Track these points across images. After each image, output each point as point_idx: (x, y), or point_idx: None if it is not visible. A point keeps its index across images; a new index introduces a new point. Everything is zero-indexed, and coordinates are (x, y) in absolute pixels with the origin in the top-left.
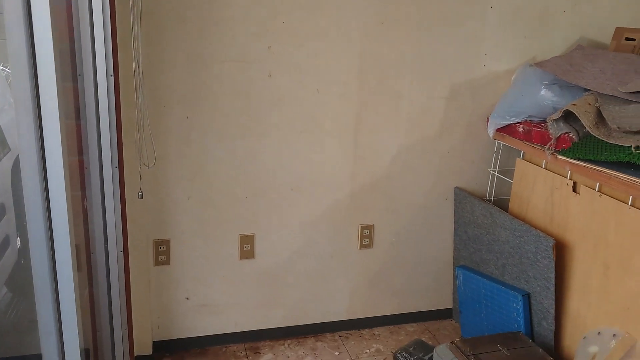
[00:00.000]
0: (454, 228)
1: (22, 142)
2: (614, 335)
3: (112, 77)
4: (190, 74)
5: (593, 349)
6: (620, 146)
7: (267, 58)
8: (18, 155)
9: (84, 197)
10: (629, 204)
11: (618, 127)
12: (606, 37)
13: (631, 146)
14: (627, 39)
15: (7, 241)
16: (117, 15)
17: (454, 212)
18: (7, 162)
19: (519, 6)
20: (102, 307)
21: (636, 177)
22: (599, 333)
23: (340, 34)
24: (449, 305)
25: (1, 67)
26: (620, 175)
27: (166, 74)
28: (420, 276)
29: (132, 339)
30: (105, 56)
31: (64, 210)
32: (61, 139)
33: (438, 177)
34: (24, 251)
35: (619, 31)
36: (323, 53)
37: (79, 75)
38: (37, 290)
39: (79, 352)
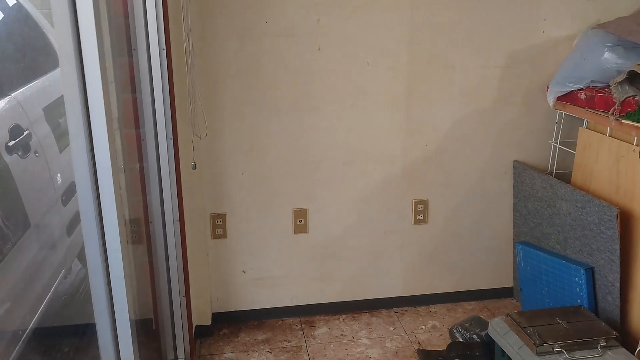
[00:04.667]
0: (514, 203)
1: (70, 122)
2: None
3: (165, 50)
4: (242, 49)
5: None
6: None
7: (316, 31)
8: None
9: (141, 166)
10: None
11: None
12: None
13: None
14: None
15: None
16: None
17: (513, 186)
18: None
19: None
20: (162, 275)
21: None
22: None
23: (390, 4)
24: (510, 284)
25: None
26: None
27: (219, 49)
28: (479, 253)
29: (190, 307)
30: (157, 30)
31: (110, 185)
32: (105, 111)
33: (495, 151)
34: None
35: None
36: (372, 25)
37: (134, 49)
38: (90, 265)
39: (129, 323)
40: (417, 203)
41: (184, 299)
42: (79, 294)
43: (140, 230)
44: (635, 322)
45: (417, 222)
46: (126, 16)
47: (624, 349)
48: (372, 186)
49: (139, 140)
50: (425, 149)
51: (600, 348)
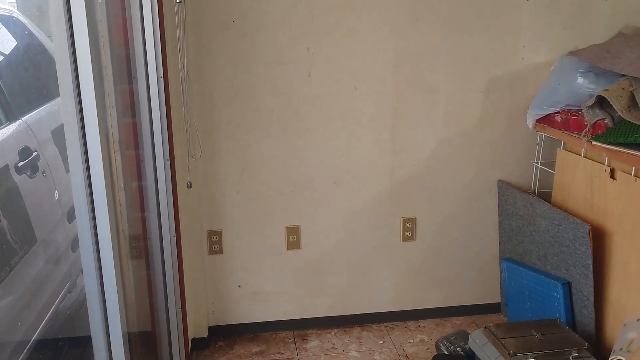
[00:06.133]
0: (499, 221)
1: (69, 141)
2: None
3: (162, 78)
4: (235, 76)
5: (631, 335)
6: None
7: (307, 59)
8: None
9: (140, 185)
10: None
11: None
12: None
13: None
14: None
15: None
16: (166, 24)
17: (498, 204)
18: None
19: None
20: (159, 288)
21: None
22: (638, 319)
23: (375, 33)
24: (498, 300)
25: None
26: None
27: (215, 76)
28: (466, 269)
29: (186, 319)
30: (156, 60)
31: (104, 203)
32: (99, 134)
33: (479, 170)
34: None
35: None
36: (359, 52)
37: (134, 77)
38: (86, 280)
39: (121, 335)
40: (406, 220)
41: (180, 312)
42: (83, 308)
43: (139, 246)
44: (609, 334)
45: (405, 239)
46: (127, 47)
47: (595, 359)
48: (362, 204)
49: (139, 161)
50: (412, 169)
51: (572, 359)
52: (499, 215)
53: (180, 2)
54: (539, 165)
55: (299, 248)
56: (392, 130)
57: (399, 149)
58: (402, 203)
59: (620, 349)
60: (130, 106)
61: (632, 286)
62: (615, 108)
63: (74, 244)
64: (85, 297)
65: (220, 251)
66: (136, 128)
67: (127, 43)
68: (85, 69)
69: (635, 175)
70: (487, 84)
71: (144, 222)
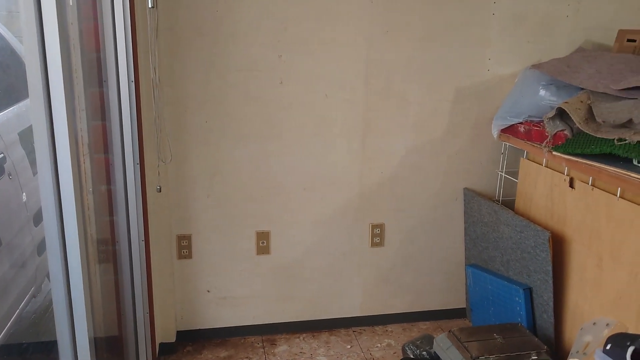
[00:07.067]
0: (464, 227)
1: (37, 144)
2: (607, 324)
3: (133, 82)
4: (208, 82)
5: (587, 338)
6: (605, 139)
7: (278, 66)
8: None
9: (109, 188)
10: (618, 195)
11: (603, 121)
12: (610, 39)
13: (614, 139)
14: (628, 40)
15: None
16: (138, 28)
17: (464, 212)
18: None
19: (521, 13)
20: (127, 292)
21: (623, 169)
22: (594, 323)
23: (347, 43)
24: (463, 305)
25: None
26: (609, 168)
27: (187, 82)
28: (433, 275)
29: (154, 324)
30: (127, 64)
31: (72, 207)
32: (69, 137)
33: (447, 178)
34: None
35: (621, 33)
36: (331, 61)
37: (104, 81)
38: (53, 284)
39: (88, 340)
40: (374, 227)
41: (147, 316)
42: (49, 312)
43: (107, 250)
44: (567, 337)
45: (374, 244)
46: (98, 51)
47: None
48: (331, 210)
49: (108, 165)
50: (381, 176)
51: None
52: (465, 222)
53: (153, 7)
54: (503, 174)
55: (268, 253)
56: (363, 137)
57: (369, 156)
58: (371, 209)
59: (577, 352)
60: (100, 109)
61: (588, 292)
62: (574, 120)
63: (40, 248)
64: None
65: (189, 256)
66: (106, 131)
67: (98, 46)
68: (55, 71)
69: (593, 185)
70: (455, 94)
71: (112, 226)
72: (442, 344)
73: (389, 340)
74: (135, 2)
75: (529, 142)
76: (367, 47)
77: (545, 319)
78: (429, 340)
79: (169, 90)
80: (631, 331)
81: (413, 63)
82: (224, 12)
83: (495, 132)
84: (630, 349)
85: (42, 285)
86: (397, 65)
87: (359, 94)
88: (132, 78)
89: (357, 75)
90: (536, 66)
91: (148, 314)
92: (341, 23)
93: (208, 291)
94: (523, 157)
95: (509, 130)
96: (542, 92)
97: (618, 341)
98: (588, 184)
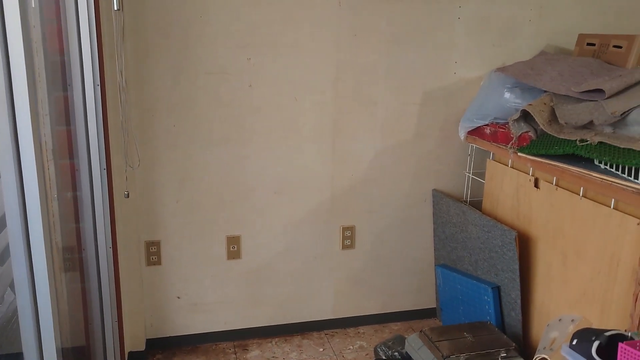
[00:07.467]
0: (434, 228)
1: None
2: (572, 320)
3: (99, 86)
4: (176, 85)
5: (553, 334)
6: (568, 140)
7: (247, 69)
8: None
9: (75, 195)
10: (580, 194)
11: (566, 123)
12: (571, 43)
13: (576, 140)
14: (588, 44)
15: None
16: (103, 31)
17: (433, 213)
18: None
19: (486, 17)
20: (94, 301)
21: (585, 169)
22: (560, 320)
23: (316, 46)
24: (434, 305)
25: None
26: (572, 168)
27: (154, 85)
28: (403, 276)
29: (123, 332)
30: (92, 67)
31: (37, 214)
32: (34, 142)
33: (415, 180)
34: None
35: (581, 37)
36: (300, 64)
37: (69, 85)
38: (18, 293)
39: (55, 351)
40: (345, 229)
41: (116, 325)
42: (12, 323)
43: (73, 257)
44: (535, 334)
45: (344, 247)
46: (62, 54)
47: (522, 358)
48: (302, 213)
49: (73, 170)
50: (351, 178)
51: (501, 359)
52: (434, 223)
53: (119, 9)
54: (470, 175)
55: (239, 258)
56: (333, 140)
57: (339, 159)
58: (341, 212)
59: (544, 348)
60: (64, 114)
61: (554, 289)
62: (538, 122)
63: (3, 256)
64: (13, 312)
65: (158, 262)
66: (71, 136)
67: (62, 49)
68: (19, 75)
69: (557, 185)
70: (422, 97)
71: (78, 233)
72: (413, 344)
73: (362, 342)
74: (100, 4)
75: (495, 144)
76: (336, 50)
77: (513, 316)
78: (400, 340)
79: (137, 94)
80: (595, 326)
81: (381, 66)
82: (192, 15)
83: (462, 134)
84: (596, 344)
85: (5, 295)
86: (366, 69)
87: (329, 97)
88: (98, 82)
89: (327, 78)
90: (501, 69)
91: (117, 323)
92: (310, 26)
93: (178, 297)
94: (489, 158)
95: (476, 132)
96: (507, 95)
97: (584, 336)
98: (552, 184)
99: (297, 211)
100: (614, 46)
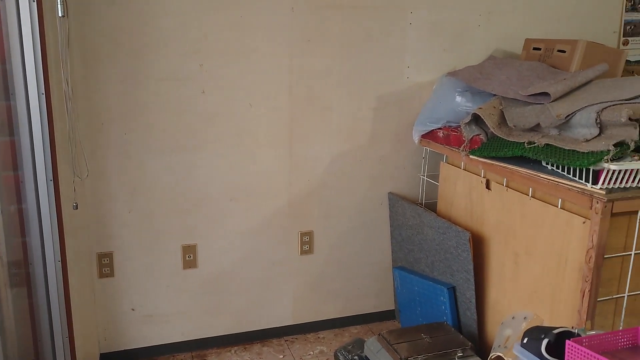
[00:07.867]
0: (390, 231)
1: None
2: (525, 317)
3: (44, 95)
4: (126, 92)
5: (507, 332)
6: (517, 143)
7: (200, 76)
8: None
9: (20, 207)
10: (530, 195)
11: (514, 126)
12: (518, 48)
13: (524, 142)
14: (534, 48)
15: None
16: (48, 38)
17: (389, 216)
18: None
19: (436, 23)
20: (43, 317)
21: (534, 170)
22: (513, 317)
23: (269, 52)
24: (392, 307)
25: None
26: (521, 169)
27: (103, 93)
28: (362, 279)
29: (74, 348)
30: (36, 76)
31: None
32: None
33: (372, 184)
34: None
35: (528, 42)
36: (254, 70)
37: (12, 94)
38: None
39: None
40: (303, 234)
41: (67, 340)
42: None
43: (19, 273)
44: (489, 333)
45: (303, 252)
46: (3, 62)
47: (478, 357)
48: (260, 220)
49: (18, 182)
50: (308, 184)
51: (458, 358)
52: (391, 226)
53: (64, 15)
54: (425, 178)
55: (196, 267)
56: (289, 146)
57: (295, 164)
58: (299, 217)
59: (499, 346)
60: (7, 124)
61: (507, 288)
62: (488, 125)
63: None
64: None
65: (111, 274)
66: (15, 147)
67: (3, 57)
68: None
69: (507, 186)
70: (376, 101)
71: (25, 247)
72: (372, 347)
73: (322, 347)
74: (44, 10)
75: (448, 147)
76: (289, 55)
77: (468, 316)
78: (360, 344)
79: (85, 102)
80: (546, 322)
81: (335, 71)
82: (141, 21)
83: (416, 138)
84: (545, 341)
85: None
86: (320, 74)
87: (283, 102)
88: (43, 90)
89: (281, 84)
90: (452, 74)
91: (67, 338)
92: (263, 32)
93: (132, 309)
94: (443, 161)
95: (429, 136)
96: (458, 99)
97: (533, 334)
98: (503, 185)
99: (254, 218)
100: (559, 50)
